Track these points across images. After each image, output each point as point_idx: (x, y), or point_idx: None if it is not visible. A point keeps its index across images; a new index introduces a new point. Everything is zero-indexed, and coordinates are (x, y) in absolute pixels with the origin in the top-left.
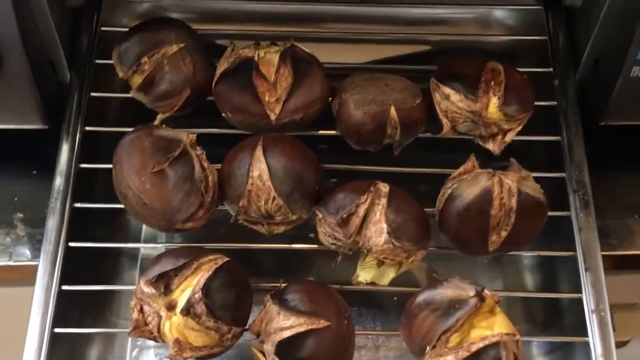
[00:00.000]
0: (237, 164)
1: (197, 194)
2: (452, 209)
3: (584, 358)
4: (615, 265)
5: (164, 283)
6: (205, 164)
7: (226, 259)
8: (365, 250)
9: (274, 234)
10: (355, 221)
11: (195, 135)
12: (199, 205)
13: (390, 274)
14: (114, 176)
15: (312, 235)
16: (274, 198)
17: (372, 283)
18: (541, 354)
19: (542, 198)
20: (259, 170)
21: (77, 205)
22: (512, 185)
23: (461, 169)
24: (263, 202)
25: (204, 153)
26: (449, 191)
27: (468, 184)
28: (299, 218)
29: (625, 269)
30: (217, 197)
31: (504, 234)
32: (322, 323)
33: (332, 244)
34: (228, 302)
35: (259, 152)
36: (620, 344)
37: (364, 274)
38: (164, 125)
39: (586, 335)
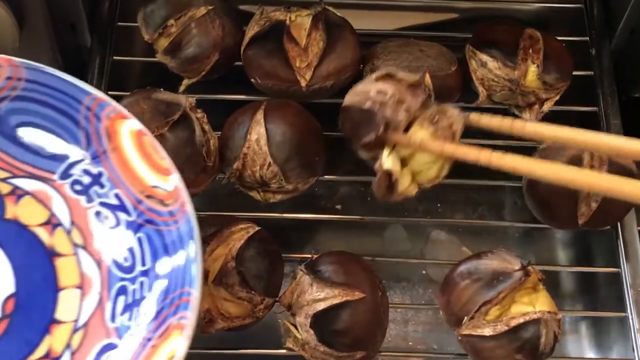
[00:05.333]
0: (237, 126)
1: (199, 159)
2: None
3: (619, 333)
4: None
5: None
6: (206, 127)
7: (257, 227)
8: None
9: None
10: None
11: (194, 98)
12: (201, 170)
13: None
14: None
15: (339, 207)
16: (269, 164)
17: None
18: (573, 330)
19: (633, 167)
20: (257, 134)
21: None
22: (603, 154)
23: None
24: (258, 167)
25: (205, 116)
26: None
27: (557, 151)
28: (296, 188)
29: None
30: (219, 162)
31: (594, 205)
32: (357, 295)
33: None
34: (261, 272)
35: (260, 115)
36: None
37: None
38: (162, 89)
39: (623, 310)
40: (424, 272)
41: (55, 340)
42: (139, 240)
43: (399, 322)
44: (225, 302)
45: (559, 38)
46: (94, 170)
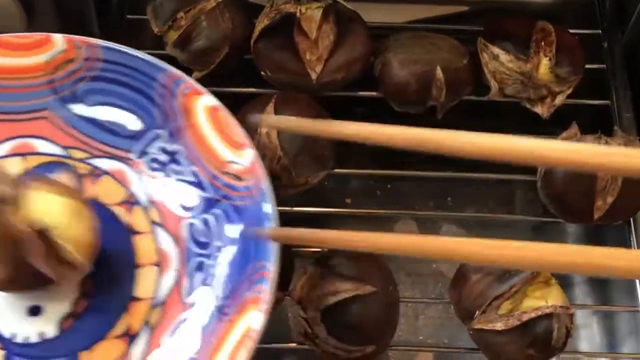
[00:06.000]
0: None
1: None
2: (557, 170)
3: (631, 328)
4: None
5: None
6: None
7: None
8: None
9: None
10: None
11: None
12: None
13: None
14: None
15: (349, 200)
16: (279, 158)
17: None
18: (584, 324)
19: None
20: (268, 128)
21: None
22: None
23: (564, 134)
24: (268, 161)
25: None
26: None
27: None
28: (306, 182)
29: None
30: None
31: (610, 199)
32: (368, 289)
33: None
34: None
35: (270, 108)
36: None
37: None
38: None
39: (635, 305)
40: (434, 266)
41: (134, 317)
42: (215, 216)
43: (410, 316)
44: None
45: (571, 31)
46: (171, 147)
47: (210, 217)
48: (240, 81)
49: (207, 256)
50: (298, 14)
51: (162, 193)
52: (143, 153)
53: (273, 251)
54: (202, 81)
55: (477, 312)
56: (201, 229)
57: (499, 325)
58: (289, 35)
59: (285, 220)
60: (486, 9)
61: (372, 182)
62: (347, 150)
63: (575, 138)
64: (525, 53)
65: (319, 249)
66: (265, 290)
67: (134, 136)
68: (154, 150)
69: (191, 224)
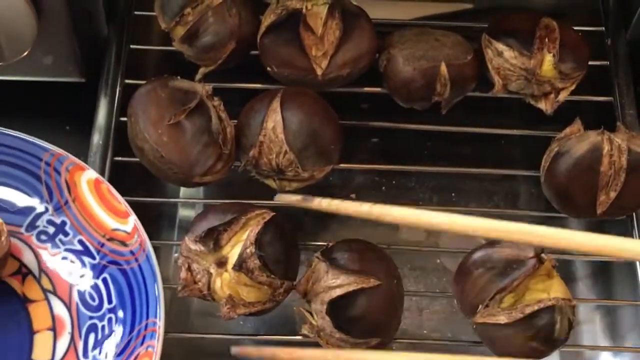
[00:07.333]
0: (253, 114)
1: (215, 146)
2: (560, 165)
3: (633, 322)
4: None
5: (213, 239)
6: (223, 115)
7: (273, 213)
8: None
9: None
10: None
11: (211, 86)
12: (217, 158)
13: None
14: (129, 129)
15: (353, 195)
16: (285, 152)
17: None
18: (587, 319)
19: None
20: (274, 122)
21: (118, 158)
22: (622, 143)
23: (567, 130)
24: (274, 155)
25: (221, 104)
26: (556, 149)
27: (577, 140)
28: (312, 177)
29: None
30: (236, 150)
31: (612, 194)
32: (373, 282)
33: None
34: (280, 256)
35: (276, 103)
36: None
37: None
38: (179, 77)
39: (638, 299)
40: (438, 261)
41: None
42: (104, 280)
43: (414, 310)
44: (245, 287)
45: (575, 28)
46: (58, 220)
47: (99, 282)
48: (246, 77)
49: (99, 318)
50: (304, 10)
51: (52, 263)
52: (32, 227)
53: (160, 308)
54: (209, 76)
55: (480, 306)
56: (91, 294)
57: (502, 319)
58: (295, 31)
59: (292, 214)
60: (491, 7)
61: (377, 177)
62: (352, 145)
63: (579, 134)
64: (529, 49)
65: (324, 243)
66: (156, 345)
67: (23, 212)
68: (42, 224)
69: (82, 290)
